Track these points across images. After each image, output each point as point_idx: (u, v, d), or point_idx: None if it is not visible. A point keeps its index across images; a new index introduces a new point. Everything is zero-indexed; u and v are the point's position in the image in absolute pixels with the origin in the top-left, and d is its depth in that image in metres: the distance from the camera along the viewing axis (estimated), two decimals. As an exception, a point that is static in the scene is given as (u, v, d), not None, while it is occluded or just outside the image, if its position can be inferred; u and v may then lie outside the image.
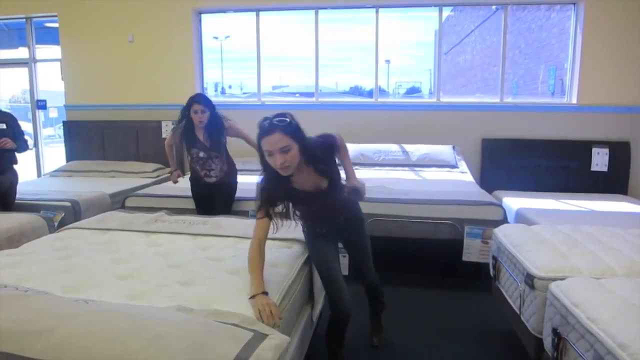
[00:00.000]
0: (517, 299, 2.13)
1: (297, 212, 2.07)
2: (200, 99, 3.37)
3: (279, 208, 1.95)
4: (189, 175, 3.58)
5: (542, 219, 3.32)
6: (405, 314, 2.98)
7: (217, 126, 3.36)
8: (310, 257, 2.23)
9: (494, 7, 5.49)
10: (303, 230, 2.26)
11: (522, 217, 3.65)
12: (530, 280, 1.96)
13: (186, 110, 3.35)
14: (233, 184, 3.53)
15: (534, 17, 5.91)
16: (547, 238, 2.33)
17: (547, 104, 5.26)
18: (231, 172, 3.51)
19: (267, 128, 1.78)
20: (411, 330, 2.77)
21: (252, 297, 1.63)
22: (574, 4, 4.97)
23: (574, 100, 4.98)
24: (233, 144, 3.55)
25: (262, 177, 1.92)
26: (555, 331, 1.71)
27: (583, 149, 4.83)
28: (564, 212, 3.84)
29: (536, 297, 1.92)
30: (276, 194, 1.92)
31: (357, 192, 2.05)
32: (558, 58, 5.36)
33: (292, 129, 1.80)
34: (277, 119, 1.80)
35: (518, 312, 2.11)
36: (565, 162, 4.86)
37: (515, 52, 5.68)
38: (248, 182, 4.30)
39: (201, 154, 3.37)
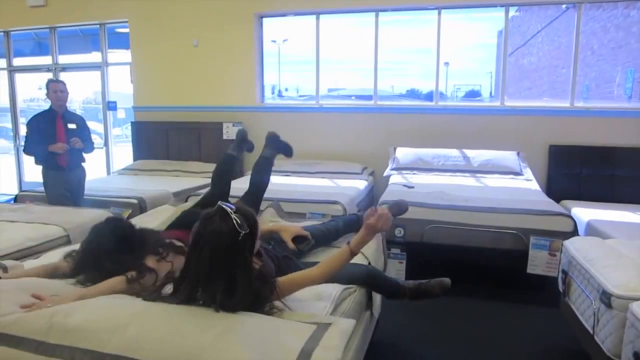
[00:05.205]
0: (591, 317, 1.98)
1: None
2: None
3: None
4: None
5: (617, 232, 3.09)
6: (464, 326, 2.87)
7: None
8: None
9: (564, 6, 5.19)
10: None
11: (594, 230, 3.41)
12: (606, 298, 1.82)
13: None
14: None
15: (609, 15, 5.53)
16: (625, 253, 2.16)
17: (624, 108, 4.87)
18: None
19: None
20: (470, 343, 2.66)
21: None
22: (659, -1, 4.61)
23: (656, 105, 4.62)
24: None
25: None
26: (637, 355, 1.58)
27: (665, 157, 4.46)
28: (643, 225, 3.55)
29: (613, 317, 1.78)
30: None
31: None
32: (638, 59, 4.98)
33: None
34: None
35: (591, 331, 1.97)
36: (645, 172, 4.50)
37: (587, 53, 5.34)
38: (298, 183, 4.37)
39: None
